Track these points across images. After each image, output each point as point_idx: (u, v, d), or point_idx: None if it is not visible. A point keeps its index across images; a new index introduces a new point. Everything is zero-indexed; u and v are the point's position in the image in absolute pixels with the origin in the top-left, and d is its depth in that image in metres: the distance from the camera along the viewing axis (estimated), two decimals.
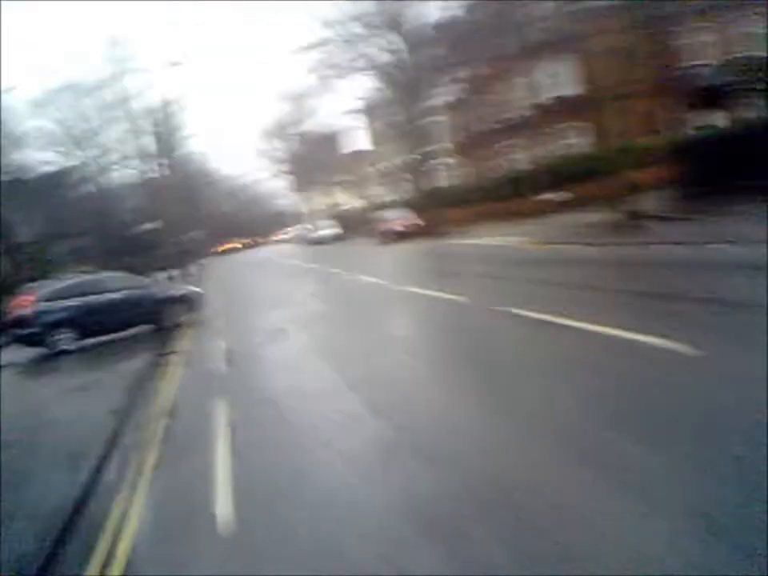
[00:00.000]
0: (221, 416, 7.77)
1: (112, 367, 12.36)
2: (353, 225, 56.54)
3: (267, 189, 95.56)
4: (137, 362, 12.18)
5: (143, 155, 47.46)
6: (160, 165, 52.95)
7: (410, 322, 11.99)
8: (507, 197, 31.99)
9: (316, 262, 29.37)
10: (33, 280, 30.79)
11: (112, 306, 16.16)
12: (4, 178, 31.58)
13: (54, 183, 45.48)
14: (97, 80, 47.45)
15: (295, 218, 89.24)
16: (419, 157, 42.63)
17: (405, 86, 32.00)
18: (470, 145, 44.29)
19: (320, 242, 51.57)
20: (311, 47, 33.03)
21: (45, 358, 15.32)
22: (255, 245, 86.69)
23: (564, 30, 34.84)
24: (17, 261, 30.10)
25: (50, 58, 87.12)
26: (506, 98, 41.11)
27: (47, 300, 15.62)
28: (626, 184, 20.54)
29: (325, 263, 27.63)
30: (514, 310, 9.83)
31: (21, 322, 15.47)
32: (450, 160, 48.86)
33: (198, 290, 19.25)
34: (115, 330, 16.46)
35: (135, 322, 16.81)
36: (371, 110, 65.48)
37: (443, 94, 42.32)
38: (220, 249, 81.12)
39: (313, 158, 68.41)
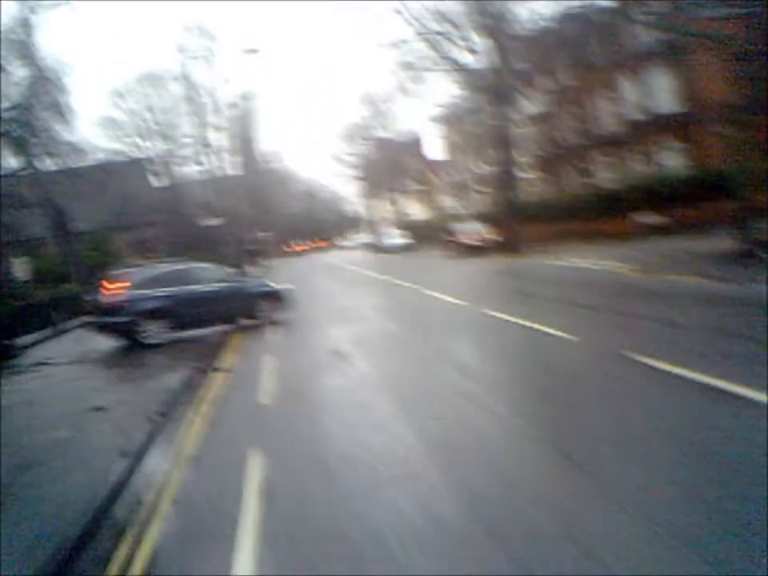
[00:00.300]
0: (250, 487, 5.60)
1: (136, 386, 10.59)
2: (423, 235, 54.67)
3: (337, 193, 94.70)
4: (172, 379, 10.34)
5: (215, 150, 46.69)
6: (232, 161, 52.33)
7: (502, 360, 9.63)
8: (594, 216, 29.41)
9: (385, 273, 27.40)
10: (93, 269, 30.60)
11: (207, 297, 15.05)
12: (63, 165, 30.84)
13: (120, 173, 45.10)
14: (171, 71, 46.97)
15: (364, 225, 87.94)
16: (498, 169, 40.38)
17: (491, 93, 29.70)
18: (555, 159, 41.78)
19: (389, 250, 49.73)
20: (395, 44, 31.10)
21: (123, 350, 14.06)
22: (322, 248, 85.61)
23: (668, 41, 32.45)
24: (74, 250, 29.20)
25: (132, 46, 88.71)
26: (596, 113, 38.57)
27: (142, 287, 14.31)
28: (742, 208, 17.79)
29: (394, 274, 25.66)
30: (649, 361, 7.55)
31: (113, 309, 13.96)
32: (532, 174, 46.33)
33: (288, 286, 17.75)
34: (208, 324, 15.26)
35: (229, 316, 15.67)
36: (450, 119, 63.50)
37: (529, 105, 40.03)
38: (287, 250, 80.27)
39: (386, 165, 66.84)
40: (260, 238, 61.82)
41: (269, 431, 7.20)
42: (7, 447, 7.55)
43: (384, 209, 77.26)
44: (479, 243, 31.72)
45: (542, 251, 27.41)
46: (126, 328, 13.97)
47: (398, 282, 22.31)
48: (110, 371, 12.54)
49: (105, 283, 14.48)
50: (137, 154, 52.59)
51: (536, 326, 10.82)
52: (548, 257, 24.59)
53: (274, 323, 15.54)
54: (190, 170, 52.10)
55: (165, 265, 16.48)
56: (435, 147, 71.47)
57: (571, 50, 33.95)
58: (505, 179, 31.53)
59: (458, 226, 35.16)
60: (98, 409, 8.77)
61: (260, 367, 10.65)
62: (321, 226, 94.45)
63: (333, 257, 57.69)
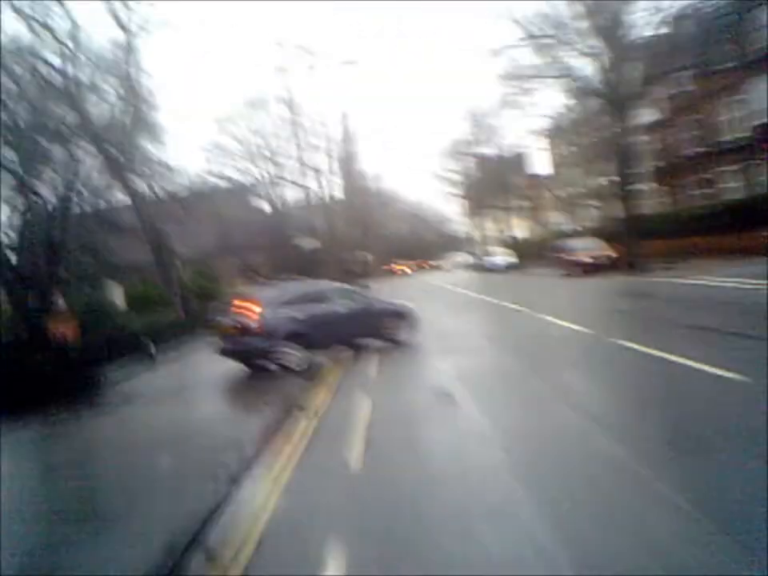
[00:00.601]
0: None
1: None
2: (529, 253, 52.29)
3: (439, 212, 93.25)
4: (247, 427, 9.03)
5: (317, 172, 46.39)
6: (334, 183, 52.08)
7: (652, 409, 7.37)
8: (721, 230, 26.40)
9: (491, 294, 25.51)
10: (198, 295, 30.71)
11: (339, 318, 14.33)
12: (171, 191, 31.02)
13: (226, 198, 45.58)
14: (273, 93, 47.14)
15: (467, 244, 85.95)
16: (615, 181, 37.63)
17: (606, 99, 27.35)
18: (674, 170, 38.51)
19: (494, 269, 47.74)
20: (500, 51, 29.33)
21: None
22: (425, 269, 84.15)
23: None
24: (174, 276, 29.10)
25: (231, 69, 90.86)
26: (717, 119, 35.23)
27: (276, 308, 13.55)
28: None
29: (502, 295, 23.77)
30: None
31: (250, 332, 13.08)
32: (647, 186, 43.07)
33: (410, 305, 16.77)
34: (341, 344, 14.57)
35: (359, 336, 15.07)
36: (556, 131, 60.72)
37: (644, 113, 37.09)
38: (389, 271, 79.30)
39: (489, 182, 64.74)
40: (360, 259, 61.14)
41: (355, 520, 5.55)
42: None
43: (487, 227, 75.03)
44: (595, 261, 29.22)
45: (665, 268, 24.78)
46: (265, 352, 12.95)
47: (506, 304, 20.43)
48: (174, 412, 11.38)
49: (237, 303, 13.75)
50: (242, 178, 53.29)
51: (683, 360, 8.79)
52: (674, 275, 22.00)
53: (398, 343, 14.98)
54: (293, 193, 52.25)
55: (294, 284, 15.90)
56: (540, 161, 68.67)
57: (690, 52, 31.20)
58: (622, 192, 28.96)
59: (569, 243, 32.74)
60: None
61: (354, 411, 9.14)
62: (423, 246, 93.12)
63: (436, 277, 56.03)
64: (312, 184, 47.61)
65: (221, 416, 10.24)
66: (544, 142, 63.16)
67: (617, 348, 10.72)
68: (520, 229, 68.30)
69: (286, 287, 15.35)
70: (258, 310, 13.27)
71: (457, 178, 70.95)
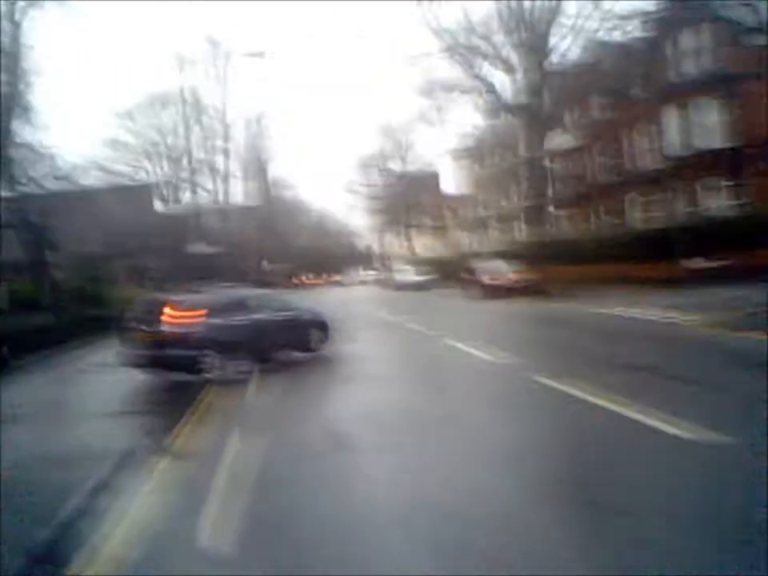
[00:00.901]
0: None
1: None
2: (439, 273, 51.57)
3: (350, 226, 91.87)
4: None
5: (223, 176, 43.78)
6: (241, 187, 49.55)
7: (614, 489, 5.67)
8: (632, 259, 26.12)
9: (399, 313, 23.97)
10: (79, 297, 27.57)
11: (272, 327, 13.68)
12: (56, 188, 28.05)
13: (121, 197, 42.28)
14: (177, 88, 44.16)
15: (376, 260, 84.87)
16: (528, 203, 37.36)
17: (522, 121, 26.59)
18: (587, 196, 38.55)
19: (403, 288, 46.52)
20: (417, 59, 28.08)
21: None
22: (332, 283, 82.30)
23: (714, 71, 29.47)
24: (49, 276, 26.06)
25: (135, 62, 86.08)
26: (636, 148, 35.50)
27: (212, 316, 12.76)
28: None
29: (410, 316, 22.34)
30: None
31: (179, 341, 12.13)
32: (563, 212, 43.24)
33: (328, 314, 16.21)
34: (264, 355, 13.55)
35: (286, 346, 14.48)
36: (470, 151, 60.64)
37: (563, 137, 36.92)
38: (295, 283, 76.76)
39: (402, 199, 63.88)
40: (265, 269, 58.61)
41: None
42: None
43: (398, 244, 74.24)
44: (504, 283, 28.33)
45: (576, 296, 24.07)
46: (193, 362, 12.13)
47: (414, 326, 18.86)
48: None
49: (170, 310, 12.52)
50: (141, 177, 50.00)
51: (634, 414, 7.30)
52: (587, 303, 21.17)
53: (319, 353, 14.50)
54: (197, 197, 49.33)
55: (226, 290, 14.98)
56: (453, 181, 68.40)
57: (610, 80, 31.12)
58: (535, 214, 28.25)
59: (480, 265, 31.84)
60: None
61: (223, 455, 7.18)
62: (332, 259, 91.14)
63: (343, 292, 54.24)
64: (218, 187, 45.06)
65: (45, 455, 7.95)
66: (459, 162, 63.04)
67: (542, 389, 9.20)
68: (428, 247, 67.76)
69: (218, 293, 14.25)
70: (194, 317, 12.43)
71: (369, 192, 69.80)
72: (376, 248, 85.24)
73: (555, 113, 25.06)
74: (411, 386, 10.86)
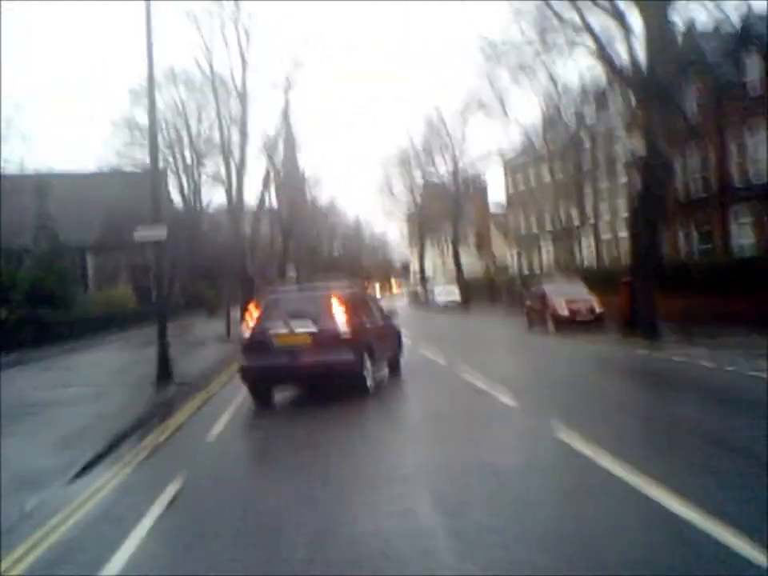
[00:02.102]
0: None
1: None
2: (476, 292, 45.21)
3: (385, 235, 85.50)
4: None
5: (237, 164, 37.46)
6: (268, 188, 43.34)
7: None
8: (736, 290, 19.40)
9: (440, 346, 17.34)
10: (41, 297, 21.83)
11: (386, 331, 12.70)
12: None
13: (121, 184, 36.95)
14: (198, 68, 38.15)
15: (411, 274, 78.18)
16: (581, 223, 31.14)
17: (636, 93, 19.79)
18: (683, 210, 31.61)
19: (439, 307, 40.23)
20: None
21: None
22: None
23: None
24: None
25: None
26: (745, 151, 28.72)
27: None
28: None
29: (455, 352, 16.02)
30: None
31: (328, 344, 10.16)
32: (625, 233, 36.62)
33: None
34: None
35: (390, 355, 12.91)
36: (516, 163, 54.04)
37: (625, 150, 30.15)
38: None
39: (437, 205, 56.84)
40: (289, 278, 52.44)
41: None
42: None
43: (437, 258, 67.47)
44: (586, 315, 21.48)
45: (687, 337, 17.10)
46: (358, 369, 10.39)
47: (464, 373, 12.25)
48: None
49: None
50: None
51: None
52: (703, 352, 14.08)
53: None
54: (220, 195, 43.59)
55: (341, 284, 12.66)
56: (504, 191, 61.50)
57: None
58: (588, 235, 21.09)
59: (552, 287, 23.74)
60: None
61: None
62: (365, 271, 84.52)
63: None
64: (233, 179, 38.87)
65: None
66: (512, 169, 56.35)
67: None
68: (471, 264, 60.50)
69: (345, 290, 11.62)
70: (343, 310, 10.43)
71: (401, 195, 62.60)
72: (413, 262, 78.26)
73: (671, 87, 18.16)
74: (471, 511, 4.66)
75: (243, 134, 34.04)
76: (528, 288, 27.77)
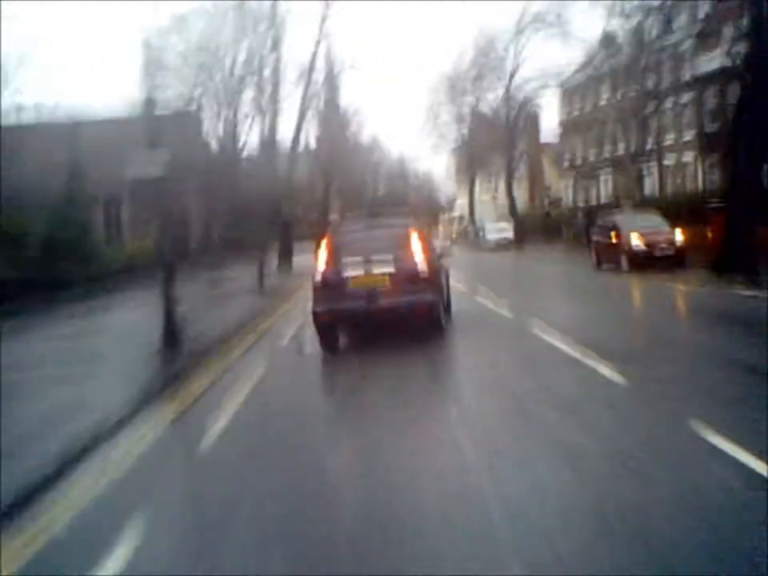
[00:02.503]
0: None
1: None
2: (530, 228, 42.44)
3: (430, 171, 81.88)
4: None
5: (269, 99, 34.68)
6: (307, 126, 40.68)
7: None
8: None
9: (508, 297, 14.71)
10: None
11: None
12: None
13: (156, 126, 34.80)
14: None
15: (459, 210, 74.93)
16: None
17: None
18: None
19: (492, 246, 37.79)
20: None
21: None
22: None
23: None
24: None
25: None
26: None
27: None
28: None
29: (523, 302, 13.70)
30: None
31: (410, 283, 9.64)
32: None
33: None
34: None
35: None
36: (571, 85, 49.95)
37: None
38: None
39: (488, 142, 53.12)
40: (332, 217, 50.22)
41: None
42: None
43: (484, 194, 64.03)
44: (667, 249, 18.70)
45: None
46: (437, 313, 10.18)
47: (537, 329, 10.04)
48: None
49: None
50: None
51: None
52: None
53: None
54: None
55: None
56: (553, 119, 57.53)
57: None
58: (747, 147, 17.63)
59: (624, 219, 20.98)
60: None
61: None
62: (411, 209, 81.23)
63: None
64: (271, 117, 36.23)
65: None
66: (563, 92, 52.28)
67: None
68: (518, 199, 56.70)
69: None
70: (422, 248, 9.97)
71: (448, 127, 58.54)
72: (460, 199, 74.85)
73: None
74: None
75: (276, 58, 31.05)
76: (593, 221, 24.96)
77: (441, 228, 70.37)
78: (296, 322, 13.44)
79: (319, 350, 10.10)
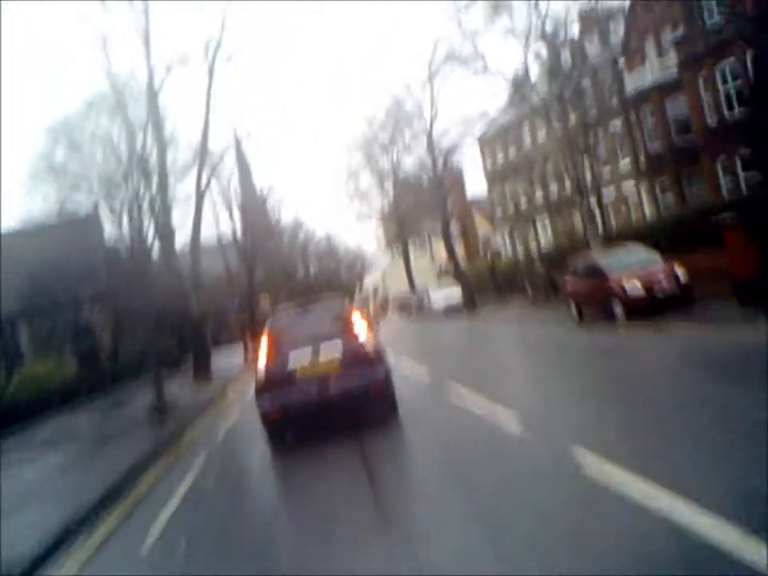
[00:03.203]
0: None
1: None
2: (479, 287, 39.19)
3: (357, 246, 78.69)
4: None
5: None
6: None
7: None
8: None
9: (494, 390, 10.55)
10: None
11: None
12: None
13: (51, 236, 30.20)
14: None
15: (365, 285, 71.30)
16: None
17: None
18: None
19: (441, 313, 34.40)
20: None
21: None
22: None
23: None
24: None
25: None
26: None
27: None
28: None
29: (529, 401, 9.82)
30: None
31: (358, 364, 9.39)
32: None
33: None
34: None
35: None
36: (490, 136, 48.08)
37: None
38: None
39: (415, 206, 50.02)
40: (262, 307, 45.80)
41: None
42: None
43: (420, 259, 60.28)
44: (667, 289, 15.03)
45: None
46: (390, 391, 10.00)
47: (573, 456, 6.16)
48: None
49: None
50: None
51: None
52: None
53: None
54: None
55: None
56: (484, 173, 54.98)
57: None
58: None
59: (603, 260, 17.21)
60: None
61: None
62: (344, 287, 77.05)
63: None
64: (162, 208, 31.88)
65: None
66: (488, 147, 50.28)
67: None
68: (461, 257, 53.50)
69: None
70: (365, 326, 9.90)
71: (371, 196, 55.68)
72: (391, 263, 70.89)
73: None
74: None
75: (160, 148, 26.93)
76: (561, 269, 21.36)
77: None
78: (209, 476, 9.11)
79: None
